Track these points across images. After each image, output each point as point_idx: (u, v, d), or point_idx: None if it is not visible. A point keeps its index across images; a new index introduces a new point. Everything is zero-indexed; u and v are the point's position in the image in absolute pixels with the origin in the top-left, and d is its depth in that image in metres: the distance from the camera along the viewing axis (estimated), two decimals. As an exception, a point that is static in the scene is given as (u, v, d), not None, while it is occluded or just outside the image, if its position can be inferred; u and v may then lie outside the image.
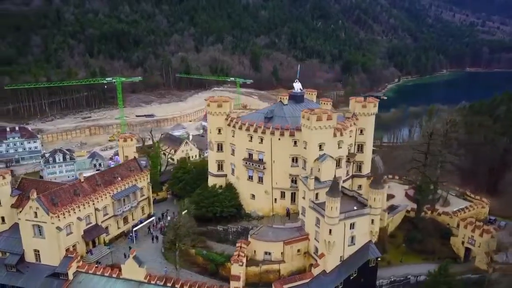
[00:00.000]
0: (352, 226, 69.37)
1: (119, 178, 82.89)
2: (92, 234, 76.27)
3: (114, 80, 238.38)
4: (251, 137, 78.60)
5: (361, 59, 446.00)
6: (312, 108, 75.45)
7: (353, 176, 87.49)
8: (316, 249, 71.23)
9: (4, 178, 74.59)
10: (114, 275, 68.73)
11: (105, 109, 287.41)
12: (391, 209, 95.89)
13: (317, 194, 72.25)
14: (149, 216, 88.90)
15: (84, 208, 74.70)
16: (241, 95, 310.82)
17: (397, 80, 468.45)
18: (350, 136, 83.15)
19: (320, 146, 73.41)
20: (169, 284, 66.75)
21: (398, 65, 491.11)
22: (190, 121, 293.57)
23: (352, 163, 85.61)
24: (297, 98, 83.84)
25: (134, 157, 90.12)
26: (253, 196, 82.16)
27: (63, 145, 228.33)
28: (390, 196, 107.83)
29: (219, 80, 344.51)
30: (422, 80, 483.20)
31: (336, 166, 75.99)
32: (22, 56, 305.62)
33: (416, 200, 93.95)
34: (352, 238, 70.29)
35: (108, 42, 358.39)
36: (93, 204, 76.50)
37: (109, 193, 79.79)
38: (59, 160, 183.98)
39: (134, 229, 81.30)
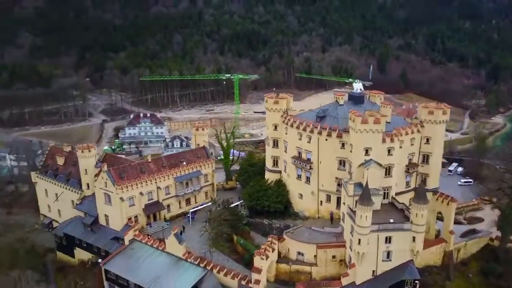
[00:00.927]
0: (388, 240, 64.95)
1: (184, 163, 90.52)
2: (152, 209, 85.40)
3: (232, 77, 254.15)
4: (301, 136, 78.51)
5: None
6: (374, 110, 72.23)
7: (415, 189, 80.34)
8: (350, 258, 68.28)
9: (90, 151, 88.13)
10: (160, 248, 76.14)
11: (228, 103, 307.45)
12: (470, 233, 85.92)
13: (356, 201, 68.93)
14: (212, 202, 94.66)
15: (147, 185, 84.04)
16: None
17: None
18: (412, 144, 76.85)
19: (367, 151, 69.80)
20: (201, 265, 71.53)
21: None
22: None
23: (414, 175, 78.76)
24: (356, 99, 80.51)
25: (204, 145, 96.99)
26: (301, 195, 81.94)
27: (185, 133, 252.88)
28: (477, 219, 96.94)
29: (340, 81, 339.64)
30: None
31: (386, 174, 71.22)
32: (163, 52, 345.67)
33: (500, 228, 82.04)
34: (388, 253, 65.77)
35: (239, 41, 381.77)
36: (156, 182, 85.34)
37: (172, 175, 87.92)
38: (176, 145, 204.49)
39: (191, 210, 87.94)
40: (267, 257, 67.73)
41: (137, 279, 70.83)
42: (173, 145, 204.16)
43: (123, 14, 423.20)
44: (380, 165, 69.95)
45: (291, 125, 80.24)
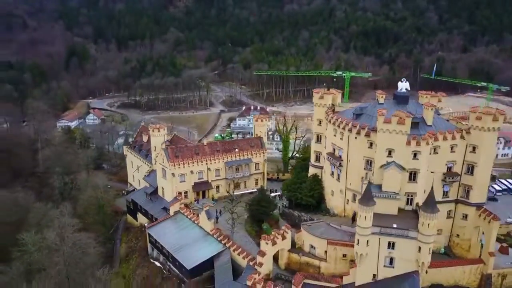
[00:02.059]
0: (391, 245, 62.04)
1: (236, 150, 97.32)
2: (200, 187, 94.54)
3: (343, 74, 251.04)
4: (336, 132, 78.16)
5: None
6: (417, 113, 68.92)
7: (457, 202, 73.34)
8: (357, 259, 66.89)
9: (159, 131, 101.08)
10: (196, 222, 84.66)
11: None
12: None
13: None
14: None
15: (198, 165, 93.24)
16: (492, 103, 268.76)
17: None
18: (453, 152, 70.37)
19: (390, 152, 66.90)
20: (223, 242, 77.76)
21: None
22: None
23: (454, 185, 71.96)
24: (399, 99, 76.62)
25: (259, 136, 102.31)
26: (332, 192, 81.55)
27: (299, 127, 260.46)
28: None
29: (477, 85, 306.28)
30: None
31: (410, 179, 67.17)
32: (287, 49, 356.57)
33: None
34: (391, 260, 62.75)
35: (366, 39, 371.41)
36: (206, 164, 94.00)
37: (223, 159, 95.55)
38: (276, 138, 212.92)
39: (234, 193, 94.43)
40: (274, 243, 70.34)
41: (166, 244, 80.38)
42: (273, 138, 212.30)
43: (259, 12, 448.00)
44: (403, 168, 66.37)
45: (329, 121, 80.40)
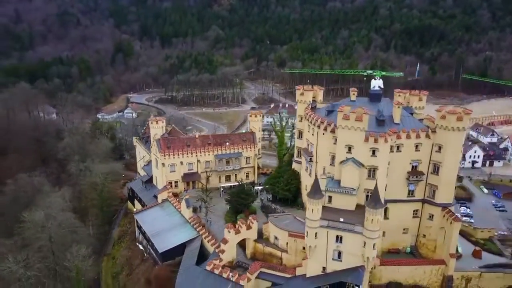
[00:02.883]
0: (339, 239, 63.15)
1: (227, 143, 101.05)
2: (189, 178, 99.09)
3: (374, 73, 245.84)
4: (309, 128, 79.67)
5: None
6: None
7: (423, 201, 72.55)
8: (313, 251, 68.47)
9: (157, 123, 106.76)
10: (179, 210, 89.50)
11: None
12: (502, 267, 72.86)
13: (330, 197, 68.31)
14: (252, 183, 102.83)
15: (187, 156, 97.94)
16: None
17: None
18: (418, 150, 69.83)
19: (350, 149, 67.77)
20: (198, 229, 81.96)
21: None
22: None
23: (421, 184, 71.33)
24: (372, 96, 76.71)
25: (253, 131, 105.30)
26: (306, 187, 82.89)
27: None
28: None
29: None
30: None
31: (369, 176, 67.61)
32: (325, 47, 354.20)
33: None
34: (339, 253, 63.83)
35: (408, 37, 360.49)
36: (196, 156, 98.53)
37: (213, 152, 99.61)
38: None
39: (222, 185, 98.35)
40: (237, 232, 73.38)
41: (147, 229, 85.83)
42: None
43: (301, 9, 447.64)
44: (362, 165, 67.02)
45: (305, 117, 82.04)
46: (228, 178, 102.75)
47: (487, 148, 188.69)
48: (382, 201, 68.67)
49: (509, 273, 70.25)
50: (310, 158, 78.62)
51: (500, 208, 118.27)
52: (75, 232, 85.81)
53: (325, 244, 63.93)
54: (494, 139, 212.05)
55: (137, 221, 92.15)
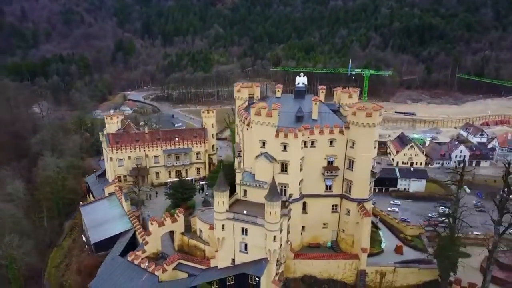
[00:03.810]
0: (244, 231, 64.78)
1: (177, 139, 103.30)
2: (137, 172, 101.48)
3: (363, 72, 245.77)
4: (239, 123, 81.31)
5: None
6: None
7: (342, 197, 73.57)
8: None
9: (111, 118, 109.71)
10: (121, 203, 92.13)
11: (369, 100, 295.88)
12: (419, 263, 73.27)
13: (245, 191, 70.03)
14: (203, 179, 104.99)
15: (135, 151, 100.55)
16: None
17: None
18: (332, 146, 70.88)
19: (264, 144, 69.32)
20: (133, 220, 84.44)
21: None
22: (455, 127, 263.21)
23: (338, 180, 72.38)
24: (297, 93, 78.03)
25: (204, 127, 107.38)
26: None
27: None
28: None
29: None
30: None
31: (282, 171, 69.03)
32: (321, 46, 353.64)
33: (437, 264, 68.21)
34: (246, 245, 65.47)
35: (407, 36, 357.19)
36: (144, 151, 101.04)
37: (162, 147, 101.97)
38: None
39: (169, 180, 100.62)
40: (161, 224, 75.54)
41: (87, 221, 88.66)
42: None
43: (302, 8, 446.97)
44: (274, 159, 68.49)
45: (237, 113, 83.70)
46: (178, 174, 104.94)
47: (474, 148, 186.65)
48: (298, 195, 70.47)
49: (424, 268, 70.72)
50: (239, 153, 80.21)
51: (480, 209, 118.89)
52: (17, 223, 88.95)
53: (232, 236, 65.63)
54: (484, 139, 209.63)
55: (81, 213, 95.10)
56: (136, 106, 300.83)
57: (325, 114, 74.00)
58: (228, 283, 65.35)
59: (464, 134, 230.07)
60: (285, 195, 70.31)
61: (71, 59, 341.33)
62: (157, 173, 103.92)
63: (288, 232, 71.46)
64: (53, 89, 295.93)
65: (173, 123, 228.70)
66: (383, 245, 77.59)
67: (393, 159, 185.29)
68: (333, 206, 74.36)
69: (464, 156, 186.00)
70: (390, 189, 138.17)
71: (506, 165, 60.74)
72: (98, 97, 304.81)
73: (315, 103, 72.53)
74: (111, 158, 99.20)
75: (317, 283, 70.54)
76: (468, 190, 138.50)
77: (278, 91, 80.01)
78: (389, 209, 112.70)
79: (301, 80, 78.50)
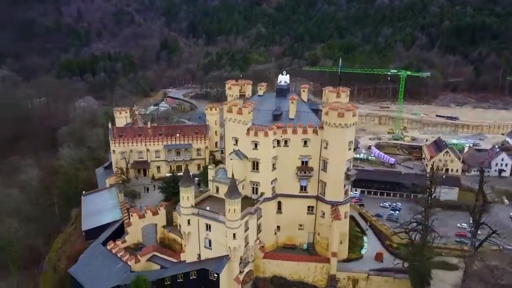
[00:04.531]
0: (208, 227, 65.14)
1: (178, 134, 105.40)
2: (139, 166, 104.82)
3: (399, 73, 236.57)
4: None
5: None
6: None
7: (317, 198, 71.68)
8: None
9: (120, 113, 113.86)
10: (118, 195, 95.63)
11: (409, 102, 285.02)
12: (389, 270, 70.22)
13: (217, 188, 70.40)
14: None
15: (136, 145, 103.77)
16: None
17: None
18: (307, 146, 69.32)
19: (236, 141, 69.31)
20: (124, 211, 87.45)
21: None
22: (503, 133, 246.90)
23: (313, 181, 70.66)
24: (277, 91, 76.82)
25: (206, 124, 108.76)
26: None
27: None
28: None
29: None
30: None
31: (254, 169, 68.58)
32: (363, 45, 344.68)
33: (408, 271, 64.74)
34: (210, 241, 65.74)
35: (456, 36, 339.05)
36: (146, 145, 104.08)
37: (163, 142, 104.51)
38: None
39: (167, 175, 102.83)
40: (141, 216, 77.51)
41: (84, 209, 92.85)
42: None
43: (347, 7, 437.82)
44: (245, 157, 68.25)
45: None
46: (179, 169, 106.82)
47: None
48: (270, 194, 69.85)
49: (399, 278, 67.31)
50: (222, 150, 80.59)
51: None
52: (21, 208, 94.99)
53: (197, 232, 66.16)
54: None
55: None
56: (175, 103, 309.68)
57: (304, 113, 72.45)
58: (191, 278, 65.95)
59: (511, 141, 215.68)
60: (256, 193, 69.85)
61: (118, 57, 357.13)
62: (158, 167, 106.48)
63: (260, 231, 71.11)
64: (99, 85, 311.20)
65: (205, 120, 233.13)
66: (363, 251, 74.70)
67: (426, 165, 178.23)
68: (309, 207, 72.69)
69: (506, 164, 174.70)
70: (418, 196, 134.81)
71: (480, 172, 56.20)
72: (140, 94, 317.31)
73: (292, 102, 71.20)
74: (113, 151, 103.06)
75: (286, 285, 69.34)
76: (506, 201, 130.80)
77: (260, 89, 79.22)
78: None
79: (283, 79, 77.29)
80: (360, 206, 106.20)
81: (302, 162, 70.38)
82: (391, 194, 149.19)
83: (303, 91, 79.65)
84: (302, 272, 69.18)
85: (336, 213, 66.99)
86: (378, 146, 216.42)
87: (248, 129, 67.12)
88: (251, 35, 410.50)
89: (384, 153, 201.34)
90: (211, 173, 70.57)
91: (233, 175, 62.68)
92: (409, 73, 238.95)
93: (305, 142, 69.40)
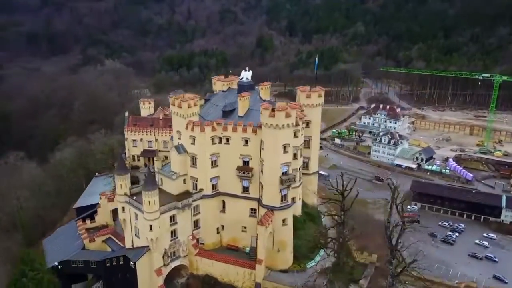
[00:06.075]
0: (136, 216, 66.34)
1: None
2: (147, 154, 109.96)
3: (493, 78, 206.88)
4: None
5: None
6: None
7: (259, 201, 67.67)
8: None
9: (144, 104, 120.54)
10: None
11: (510, 112, 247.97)
12: None
13: (162, 180, 71.33)
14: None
15: (147, 135, 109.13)
16: None
17: None
18: (247, 146, 65.96)
19: (180, 135, 69.30)
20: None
21: None
22: None
23: (255, 182, 67.00)
24: (240, 88, 74.17)
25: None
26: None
27: (433, 134, 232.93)
28: None
29: None
30: None
31: (193, 164, 67.73)
32: (468, 46, 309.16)
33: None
34: (138, 230, 66.77)
35: None
36: (154, 135, 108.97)
37: (170, 133, 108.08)
38: (384, 141, 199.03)
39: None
40: (110, 200, 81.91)
41: (86, 190, 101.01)
42: (381, 140, 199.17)
43: (461, 3, 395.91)
44: (184, 151, 67.80)
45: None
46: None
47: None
48: (210, 191, 68.62)
49: None
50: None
51: None
52: (39, 182, 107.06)
53: (129, 220, 67.72)
54: None
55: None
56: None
57: (256, 111, 68.84)
58: (120, 263, 67.90)
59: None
60: (196, 189, 68.80)
61: (213, 53, 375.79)
62: (166, 157, 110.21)
63: (198, 227, 69.94)
64: (192, 79, 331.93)
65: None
66: (309, 265, 68.34)
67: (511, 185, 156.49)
68: (251, 209, 69.20)
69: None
70: (491, 219, 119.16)
71: (392, 187, 47.19)
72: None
73: (240, 99, 68.24)
74: (126, 139, 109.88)
75: (217, 285, 67.21)
76: None
77: (224, 85, 77.30)
78: (476, 241, 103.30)
79: (246, 75, 74.48)
80: (414, 222, 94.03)
81: (244, 162, 67.20)
82: (456, 213, 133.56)
83: (261, 88, 75.49)
84: (231, 276, 66.41)
85: (265, 217, 62.53)
86: (458, 159, 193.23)
87: (187, 124, 66.32)
88: (347, 34, 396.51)
89: (463, 167, 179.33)
90: (157, 165, 71.42)
91: (148, 167, 62.77)
92: (504, 78, 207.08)
93: (246, 141, 66.13)
